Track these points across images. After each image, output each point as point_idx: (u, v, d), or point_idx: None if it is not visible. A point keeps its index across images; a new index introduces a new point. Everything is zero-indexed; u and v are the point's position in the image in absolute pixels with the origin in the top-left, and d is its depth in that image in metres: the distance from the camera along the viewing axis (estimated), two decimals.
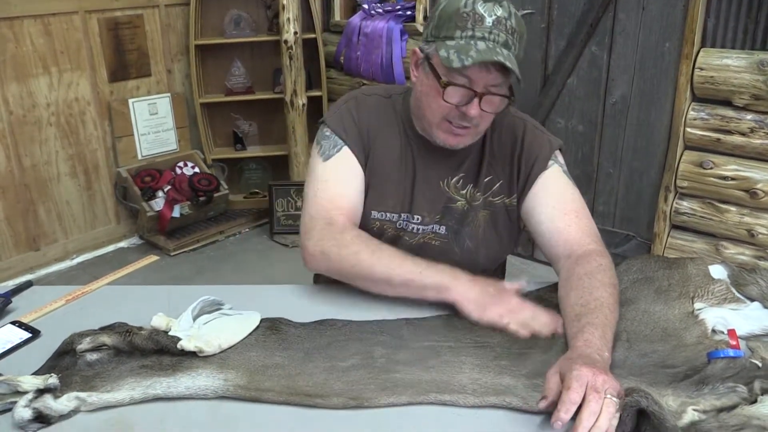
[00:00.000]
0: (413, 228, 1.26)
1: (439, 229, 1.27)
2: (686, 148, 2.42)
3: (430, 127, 1.18)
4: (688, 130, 2.38)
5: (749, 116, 2.24)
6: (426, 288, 1.11)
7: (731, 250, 2.40)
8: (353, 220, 1.22)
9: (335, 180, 1.22)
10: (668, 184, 2.49)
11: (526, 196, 1.23)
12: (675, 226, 2.54)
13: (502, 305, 1.07)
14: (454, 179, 1.25)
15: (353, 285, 1.17)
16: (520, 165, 1.24)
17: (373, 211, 1.26)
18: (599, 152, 2.80)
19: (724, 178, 2.33)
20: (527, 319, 1.05)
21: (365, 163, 1.24)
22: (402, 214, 1.26)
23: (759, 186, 2.25)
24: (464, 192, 1.25)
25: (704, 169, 2.37)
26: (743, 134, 2.26)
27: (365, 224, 1.26)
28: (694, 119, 2.36)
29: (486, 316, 1.06)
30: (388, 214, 1.26)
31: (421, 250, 1.27)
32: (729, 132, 2.29)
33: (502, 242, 1.30)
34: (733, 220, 2.36)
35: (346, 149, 1.23)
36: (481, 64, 1.06)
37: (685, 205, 2.47)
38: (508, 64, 1.05)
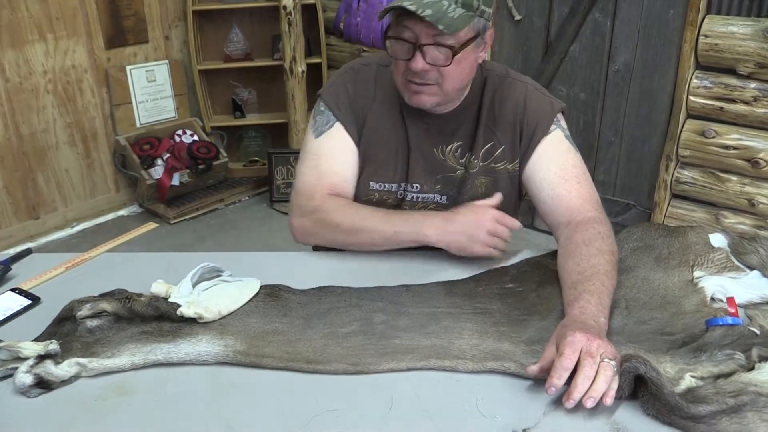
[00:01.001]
0: (413, 197, 1.26)
1: (441, 198, 1.26)
2: (689, 116, 2.40)
3: (400, 88, 1.18)
4: (691, 98, 2.36)
5: (753, 85, 2.21)
6: (405, 241, 1.16)
7: (731, 219, 2.39)
8: (341, 195, 1.23)
9: (324, 156, 1.24)
10: (670, 152, 2.48)
11: (527, 162, 1.23)
12: (675, 195, 2.53)
13: (479, 239, 1.11)
14: (450, 147, 1.24)
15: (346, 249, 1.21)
16: (522, 129, 1.22)
17: (371, 182, 1.26)
18: (601, 120, 2.78)
19: (726, 147, 2.32)
20: (502, 231, 1.12)
21: (359, 138, 1.24)
22: (401, 184, 1.26)
23: (761, 155, 2.24)
24: (462, 161, 1.25)
25: (706, 138, 2.35)
26: (747, 103, 2.24)
27: (363, 196, 1.26)
28: (698, 87, 2.33)
29: (471, 255, 1.13)
30: (386, 185, 1.26)
31: None
32: (732, 101, 2.26)
33: (505, 208, 1.29)
34: (734, 190, 2.35)
35: (338, 126, 1.24)
36: (416, 15, 1.04)
37: (687, 174, 2.46)
38: (411, 7, 1.03)
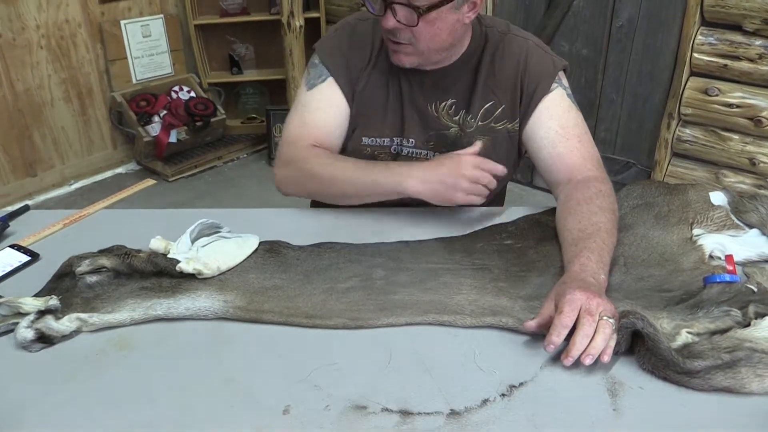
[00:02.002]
0: (408, 152, 1.26)
1: (433, 155, 1.25)
2: (692, 74, 2.37)
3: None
4: (695, 55, 2.32)
5: (759, 42, 2.18)
6: (385, 192, 1.14)
7: (731, 178, 2.39)
8: (324, 148, 1.22)
9: (312, 109, 1.24)
10: (672, 111, 2.45)
11: (528, 120, 1.21)
12: (676, 154, 2.52)
13: (459, 187, 1.07)
14: (444, 104, 1.22)
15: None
16: (522, 88, 1.20)
17: (363, 138, 1.25)
18: (603, 77, 2.74)
19: (729, 105, 2.29)
20: (479, 176, 1.08)
21: (351, 95, 1.23)
22: (394, 139, 1.25)
23: (764, 114, 2.22)
24: (457, 118, 1.23)
25: (709, 96, 2.33)
26: (751, 60, 2.20)
27: (357, 152, 1.26)
28: (702, 44, 2.30)
29: (452, 203, 1.09)
30: (379, 140, 1.25)
31: None
32: (737, 58, 2.23)
33: (506, 167, 1.29)
34: (736, 149, 2.34)
35: (330, 80, 1.22)
36: None
37: (688, 132, 2.44)
38: None
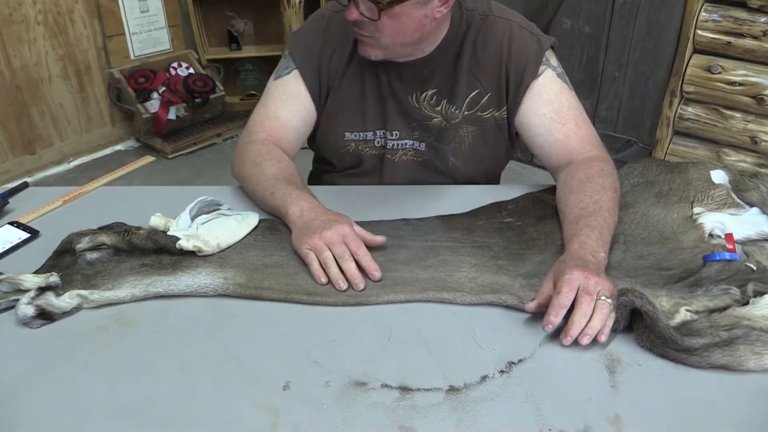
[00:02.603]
0: (393, 144, 1.24)
1: (419, 145, 1.24)
2: (695, 51, 2.35)
3: None
4: (699, 32, 2.30)
5: (763, 18, 2.16)
6: (275, 210, 1.07)
7: (733, 157, 2.38)
8: (278, 141, 1.20)
9: (274, 100, 1.22)
10: (674, 88, 2.44)
11: (518, 108, 1.17)
12: (678, 132, 2.51)
13: (316, 239, 0.94)
14: (425, 95, 1.19)
15: None
16: (508, 74, 1.16)
17: (346, 133, 1.23)
18: (605, 55, 2.72)
19: (732, 83, 2.28)
20: (330, 260, 0.93)
21: (319, 89, 1.21)
22: (377, 132, 1.23)
23: (767, 92, 2.21)
24: (439, 108, 1.20)
25: (712, 73, 2.31)
26: (755, 38, 2.18)
27: (339, 147, 1.25)
28: (706, 21, 2.27)
29: (299, 248, 0.96)
30: (361, 134, 1.23)
31: (405, 169, 1.25)
32: (741, 35, 2.21)
33: (496, 156, 1.27)
34: (738, 127, 2.33)
35: (295, 73, 1.21)
36: None
37: (690, 110, 2.43)
38: None
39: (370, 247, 0.97)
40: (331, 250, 0.94)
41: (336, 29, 1.20)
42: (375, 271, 0.93)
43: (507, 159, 1.33)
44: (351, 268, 0.92)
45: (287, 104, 1.22)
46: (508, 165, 1.40)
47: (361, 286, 0.91)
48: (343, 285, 0.91)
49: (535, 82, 1.15)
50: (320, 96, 1.22)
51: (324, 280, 0.92)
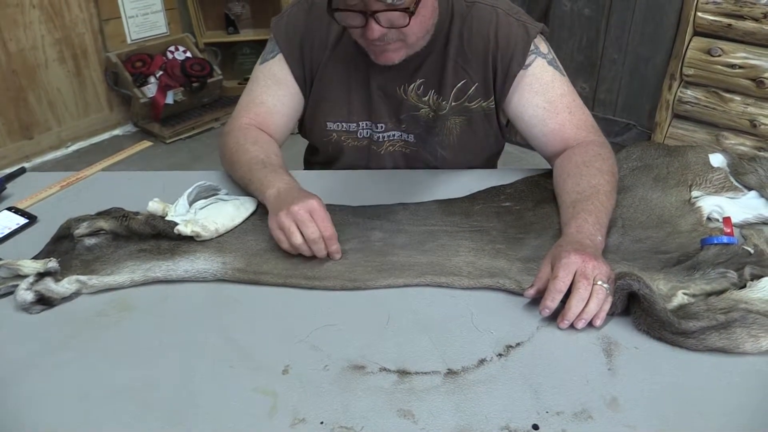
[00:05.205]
0: (379, 137, 1.23)
1: (408, 137, 1.22)
2: (695, 33, 2.34)
3: (365, 48, 1.09)
4: (699, 14, 2.28)
5: (764, 0, 2.14)
6: (257, 196, 1.06)
7: (732, 140, 2.37)
8: (263, 126, 1.20)
9: (259, 85, 1.22)
10: (674, 71, 2.43)
11: (508, 99, 1.15)
12: (677, 116, 2.50)
13: (288, 217, 0.93)
14: (413, 86, 1.17)
15: None
16: (495, 64, 1.13)
17: (328, 122, 1.22)
18: (605, 37, 2.70)
19: (732, 66, 2.27)
20: (299, 242, 0.92)
21: (304, 74, 1.20)
22: (360, 123, 1.21)
23: (766, 75, 2.20)
24: (426, 98, 1.18)
25: (712, 56, 2.30)
26: (756, 20, 2.17)
27: (323, 137, 1.24)
28: (707, 3, 2.26)
29: (270, 221, 0.96)
30: (344, 124, 1.22)
31: (391, 160, 1.25)
32: (741, 17, 2.20)
33: (484, 146, 1.26)
34: (737, 110, 2.32)
35: (279, 57, 1.20)
36: None
37: (689, 93, 2.42)
38: None
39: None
40: (302, 231, 0.92)
41: (320, 14, 1.16)
42: (337, 254, 0.95)
43: (496, 148, 1.31)
44: (320, 250, 0.93)
45: (272, 89, 1.21)
46: (506, 149, 1.38)
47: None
48: (308, 252, 0.93)
49: (525, 72, 1.13)
50: (305, 81, 1.21)
51: (294, 252, 0.94)
